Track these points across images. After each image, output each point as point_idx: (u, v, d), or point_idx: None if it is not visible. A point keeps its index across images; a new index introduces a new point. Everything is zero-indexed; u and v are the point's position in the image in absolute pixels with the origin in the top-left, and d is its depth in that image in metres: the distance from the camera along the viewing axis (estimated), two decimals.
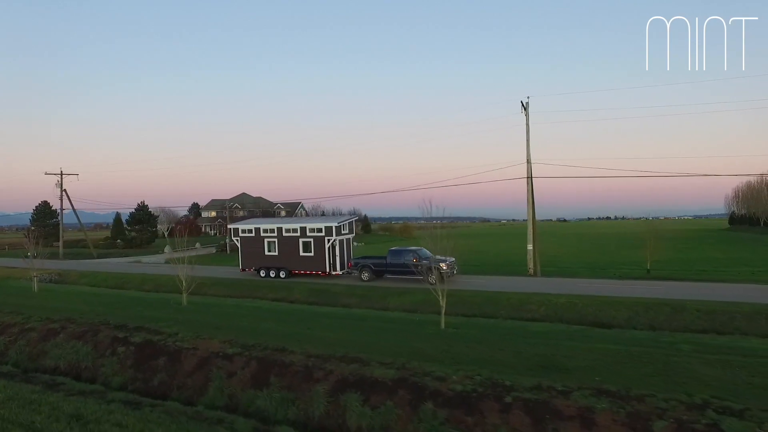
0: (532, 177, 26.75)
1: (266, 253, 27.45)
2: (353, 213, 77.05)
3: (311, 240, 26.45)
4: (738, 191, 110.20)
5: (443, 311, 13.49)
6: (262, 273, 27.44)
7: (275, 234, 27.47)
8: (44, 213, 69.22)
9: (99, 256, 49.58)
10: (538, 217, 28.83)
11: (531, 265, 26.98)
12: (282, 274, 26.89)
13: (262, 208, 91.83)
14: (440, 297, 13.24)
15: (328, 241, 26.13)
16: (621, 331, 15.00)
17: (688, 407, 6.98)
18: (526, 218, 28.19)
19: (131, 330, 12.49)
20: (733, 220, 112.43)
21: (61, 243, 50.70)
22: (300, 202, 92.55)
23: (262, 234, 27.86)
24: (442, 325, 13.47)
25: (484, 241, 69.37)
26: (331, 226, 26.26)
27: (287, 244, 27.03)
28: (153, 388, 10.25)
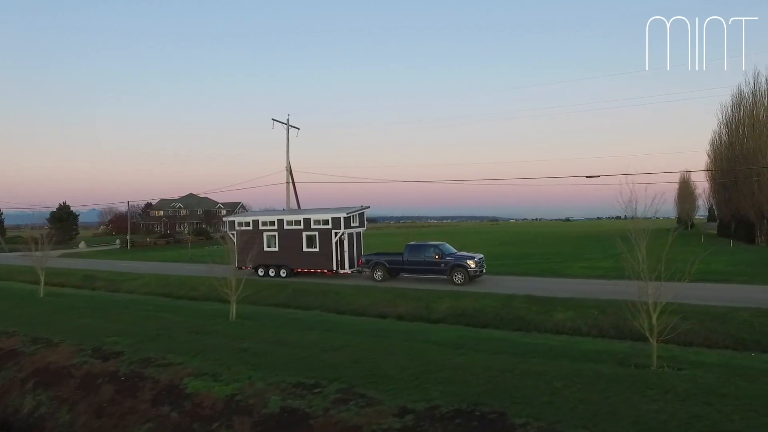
0: (294, 183, 32.06)
1: (265, 248, 24.42)
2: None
3: (316, 234, 23.62)
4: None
5: (42, 283, 19.16)
6: (260, 271, 24.32)
7: (275, 227, 24.68)
8: None
9: (10, 251, 55.15)
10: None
11: None
12: (283, 273, 24.00)
13: (204, 208, 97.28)
14: (41, 273, 18.74)
15: (336, 234, 23.26)
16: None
17: None
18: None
19: None
20: (680, 219, 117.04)
21: None
22: (240, 202, 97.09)
23: (260, 227, 24.97)
24: (41, 294, 19.11)
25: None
26: (339, 218, 23.28)
27: (289, 238, 24.31)
28: None
